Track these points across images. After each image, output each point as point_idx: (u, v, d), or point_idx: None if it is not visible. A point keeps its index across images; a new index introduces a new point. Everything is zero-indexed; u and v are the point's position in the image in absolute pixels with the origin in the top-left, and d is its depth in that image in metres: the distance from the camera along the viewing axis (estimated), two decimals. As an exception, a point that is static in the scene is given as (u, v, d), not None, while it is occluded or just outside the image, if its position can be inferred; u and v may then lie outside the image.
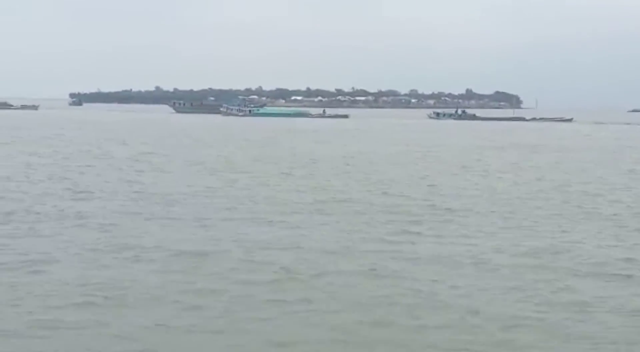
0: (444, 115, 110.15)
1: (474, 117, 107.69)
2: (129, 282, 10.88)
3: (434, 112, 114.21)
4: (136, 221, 16.14)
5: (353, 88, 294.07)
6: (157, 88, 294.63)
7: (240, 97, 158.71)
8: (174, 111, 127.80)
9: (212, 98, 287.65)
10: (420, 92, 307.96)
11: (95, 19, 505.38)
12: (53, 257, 12.43)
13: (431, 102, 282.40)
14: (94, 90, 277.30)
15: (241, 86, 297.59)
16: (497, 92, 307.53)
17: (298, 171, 28.25)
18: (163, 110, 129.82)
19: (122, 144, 42.11)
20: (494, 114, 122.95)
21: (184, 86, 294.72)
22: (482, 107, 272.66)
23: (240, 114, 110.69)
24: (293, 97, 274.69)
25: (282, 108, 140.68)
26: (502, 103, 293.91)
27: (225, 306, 9.86)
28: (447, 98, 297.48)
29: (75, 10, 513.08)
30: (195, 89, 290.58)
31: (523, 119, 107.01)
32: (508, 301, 10.29)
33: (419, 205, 19.21)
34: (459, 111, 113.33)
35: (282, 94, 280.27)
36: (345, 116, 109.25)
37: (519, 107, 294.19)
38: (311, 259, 12.57)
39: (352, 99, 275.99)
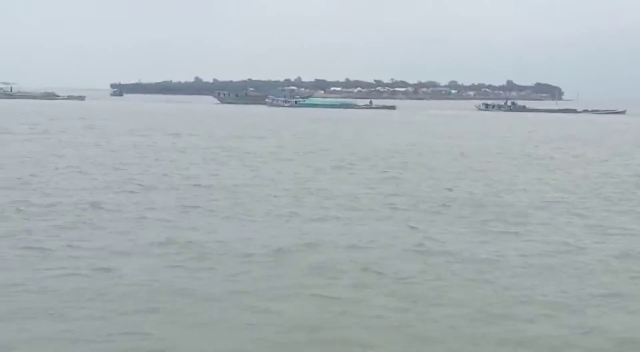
0: (493, 107, 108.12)
1: (523, 109, 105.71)
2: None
3: (483, 104, 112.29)
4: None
5: (392, 79, 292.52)
6: (197, 79, 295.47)
7: (284, 88, 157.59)
8: (218, 102, 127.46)
9: (251, 89, 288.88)
10: (460, 83, 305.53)
11: (137, 13, 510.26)
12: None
13: (471, 93, 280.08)
14: (134, 81, 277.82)
15: (280, 77, 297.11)
16: (538, 84, 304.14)
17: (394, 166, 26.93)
18: (206, 101, 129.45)
19: (207, 137, 41.15)
20: (543, 105, 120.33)
21: (223, 77, 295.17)
22: (523, 98, 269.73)
23: (286, 104, 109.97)
24: (332, 88, 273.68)
25: (329, 99, 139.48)
26: (543, 95, 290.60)
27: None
28: (487, 89, 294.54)
29: (117, 5, 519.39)
30: (235, 80, 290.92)
31: (574, 111, 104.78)
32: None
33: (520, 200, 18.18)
34: (509, 103, 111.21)
35: (321, 85, 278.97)
36: (393, 107, 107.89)
37: (561, 99, 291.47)
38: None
39: (391, 89, 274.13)
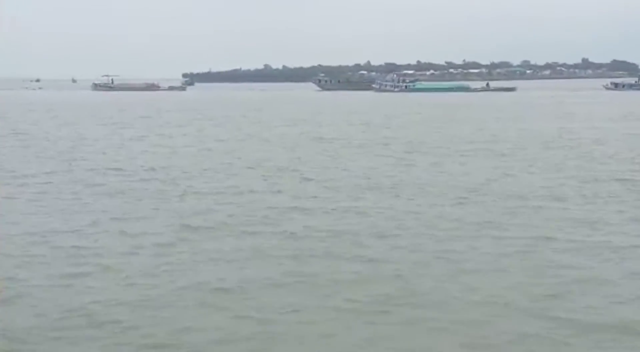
0: (624, 86, 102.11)
1: None
2: None
3: (611, 83, 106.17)
4: None
5: (464, 60, 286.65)
6: (266, 66, 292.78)
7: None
8: (319, 88, 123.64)
9: (322, 74, 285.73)
10: (532, 62, 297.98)
11: (206, 3, 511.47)
12: None
13: (547, 72, 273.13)
14: (205, 70, 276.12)
15: (349, 62, 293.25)
16: (615, 61, 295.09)
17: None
18: (303, 88, 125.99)
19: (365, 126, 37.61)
20: None
21: (292, 64, 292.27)
22: (599, 77, 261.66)
23: (395, 89, 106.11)
24: (404, 71, 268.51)
25: (440, 82, 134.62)
26: (620, 72, 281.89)
27: None
28: (562, 68, 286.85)
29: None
30: (305, 66, 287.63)
31: None
32: None
33: None
34: None
35: (392, 68, 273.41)
36: (512, 89, 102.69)
37: (638, 77, 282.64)
38: None
39: (464, 71, 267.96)
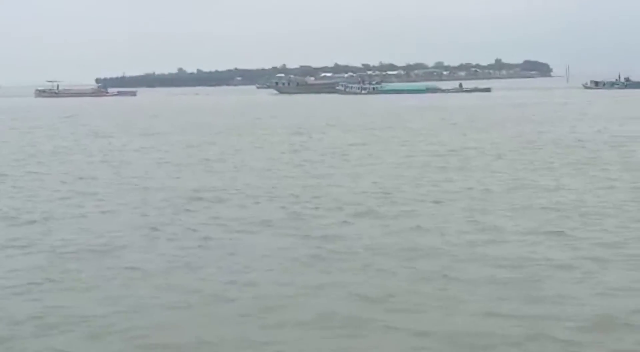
0: (605, 84, 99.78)
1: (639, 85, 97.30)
2: None
3: (591, 81, 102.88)
4: None
5: (380, 62, 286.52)
6: (180, 70, 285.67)
7: (353, 74, 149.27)
8: (276, 92, 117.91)
9: (239, 78, 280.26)
10: (446, 63, 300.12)
11: (117, 4, 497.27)
12: None
13: (462, 73, 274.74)
14: (118, 74, 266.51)
15: (266, 65, 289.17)
16: (527, 61, 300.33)
17: None
18: (255, 92, 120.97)
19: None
20: None
21: (207, 67, 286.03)
22: (512, 77, 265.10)
23: (363, 91, 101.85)
24: (322, 74, 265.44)
25: (408, 84, 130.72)
26: (532, 72, 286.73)
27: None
28: (477, 69, 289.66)
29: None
30: (220, 69, 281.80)
31: None
32: None
33: None
34: (622, 79, 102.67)
35: (308, 72, 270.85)
36: (488, 90, 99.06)
37: (549, 76, 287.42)
38: None
39: (382, 73, 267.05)
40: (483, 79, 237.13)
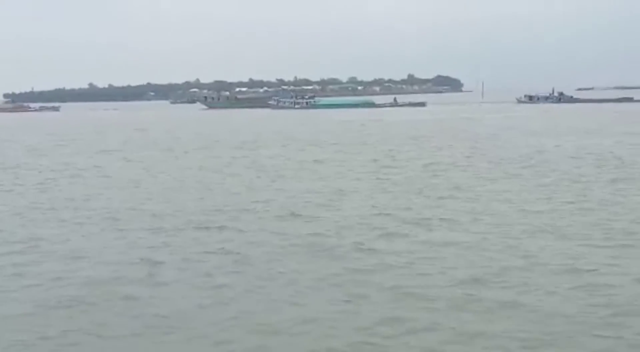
0: (539, 98, 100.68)
1: (572, 100, 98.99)
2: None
3: (525, 96, 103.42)
4: None
5: (295, 77, 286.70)
6: (91, 85, 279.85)
7: (284, 88, 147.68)
8: (205, 107, 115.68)
9: (152, 93, 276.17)
10: (359, 79, 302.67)
11: (22, 18, 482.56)
12: None
13: (376, 88, 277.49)
14: (27, 89, 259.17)
15: (179, 80, 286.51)
16: (439, 76, 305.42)
17: None
18: (167, 107, 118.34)
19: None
20: (584, 95, 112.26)
21: (118, 82, 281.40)
22: (425, 92, 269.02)
23: (296, 106, 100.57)
24: (237, 89, 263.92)
25: (345, 98, 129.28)
26: (444, 87, 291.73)
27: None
28: (390, 84, 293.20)
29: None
30: (133, 84, 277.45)
31: (631, 100, 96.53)
32: None
33: None
34: (556, 93, 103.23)
35: (222, 86, 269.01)
36: (423, 104, 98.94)
37: (460, 91, 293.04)
38: None
39: (298, 88, 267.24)
40: (396, 93, 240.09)
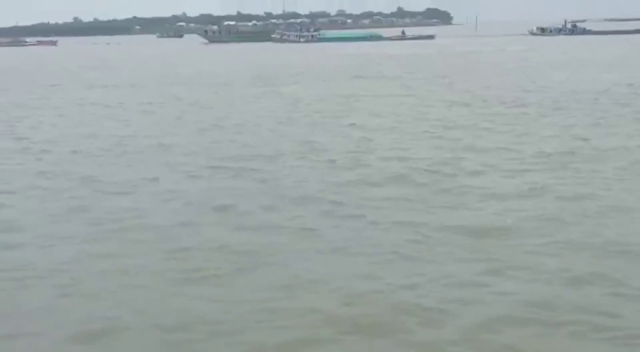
0: (551, 31, 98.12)
1: (585, 32, 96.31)
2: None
3: (537, 28, 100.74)
4: None
5: (284, 10, 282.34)
6: (76, 19, 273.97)
7: (301, 20, 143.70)
8: (206, 41, 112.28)
9: (138, 27, 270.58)
10: (348, 12, 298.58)
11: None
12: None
13: (366, 21, 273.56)
14: (10, 24, 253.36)
15: (165, 13, 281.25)
16: (429, 9, 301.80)
17: None
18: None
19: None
20: (598, 27, 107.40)
21: (103, 17, 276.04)
22: (415, 25, 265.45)
23: (301, 40, 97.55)
24: (226, 23, 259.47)
25: (351, 31, 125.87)
26: (434, 20, 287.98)
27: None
28: (380, 17, 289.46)
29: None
30: (118, 18, 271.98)
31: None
32: None
33: None
34: (569, 25, 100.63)
35: (210, 20, 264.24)
36: (432, 37, 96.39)
37: (450, 24, 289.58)
38: None
39: (287, 21, 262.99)
40: (386, 27, 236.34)
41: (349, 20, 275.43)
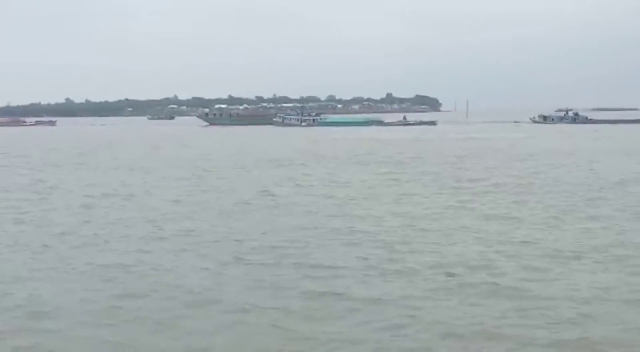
0: (553, 119, 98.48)
1: (587, 120, 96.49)
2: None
3: (539, 116, 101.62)
4: None
5: (274, 95, 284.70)
6: (68, 100, 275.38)
7: (292, 104, 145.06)
8: (205, 124, 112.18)
9: (130, 109, 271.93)
10: (338, 97, 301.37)
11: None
12: None
13: (356, 107, 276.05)
14: (3, 104, 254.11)
15: (157, 96, 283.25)
16: (418, 96, 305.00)
17: None
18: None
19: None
20: (600, 116, 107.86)
21: (95, 98, 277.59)
22: (405, 111, 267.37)
23: (303, 124, 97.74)
24: (217, 106, 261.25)
25: (352, 116, 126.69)
26: (423, 106, 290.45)
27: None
28: (370, 103, 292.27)
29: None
30: (110, 100, 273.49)
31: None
32: None
33: None
34: (570, 113, 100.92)
35: (201, 103, 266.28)
36: (434, 123, 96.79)
37: (438, 110, 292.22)
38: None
39: (278, 106, 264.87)
40: (377, 112, 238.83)
41: (339, 105, 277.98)
